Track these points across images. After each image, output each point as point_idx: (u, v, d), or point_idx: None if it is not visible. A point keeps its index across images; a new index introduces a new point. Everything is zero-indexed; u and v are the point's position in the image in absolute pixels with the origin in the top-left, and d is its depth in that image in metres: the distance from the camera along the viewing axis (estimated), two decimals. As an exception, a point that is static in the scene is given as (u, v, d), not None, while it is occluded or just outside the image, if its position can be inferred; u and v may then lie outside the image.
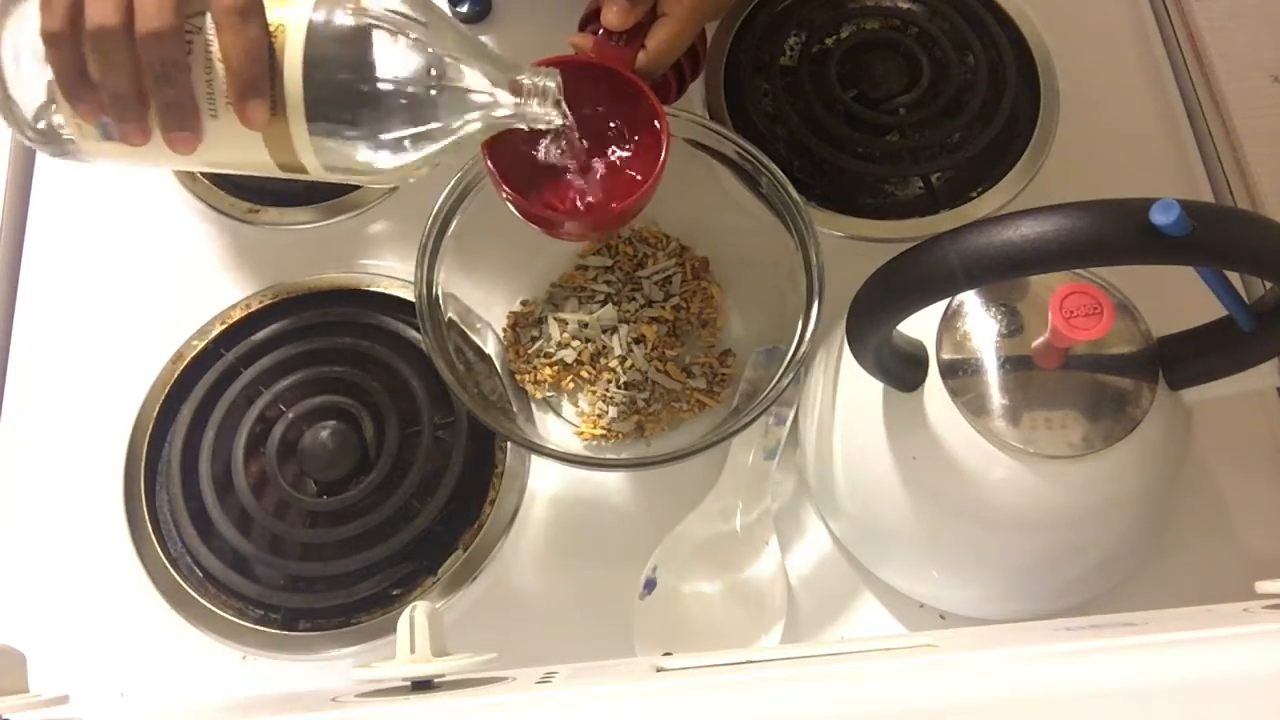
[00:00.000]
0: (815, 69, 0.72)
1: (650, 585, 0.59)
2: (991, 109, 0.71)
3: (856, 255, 0.67)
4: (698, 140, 0.61)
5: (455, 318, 0.60)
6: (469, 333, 0.62)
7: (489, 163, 0.52)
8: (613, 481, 0.63)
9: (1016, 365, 0.49)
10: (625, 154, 0.54)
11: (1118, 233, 0.37)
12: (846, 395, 0.56)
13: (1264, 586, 0.39)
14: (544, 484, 0.63)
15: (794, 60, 0.72)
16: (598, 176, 0.54)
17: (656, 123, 0.53)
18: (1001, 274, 0.41)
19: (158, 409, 0.65)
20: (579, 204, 0.53)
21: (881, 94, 0.72)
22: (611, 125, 0.54)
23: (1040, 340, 0.49)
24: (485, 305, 0.66)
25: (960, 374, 0.49)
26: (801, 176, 0.69)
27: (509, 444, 0.63)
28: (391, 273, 0.68)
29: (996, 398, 0.49)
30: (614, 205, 0.52)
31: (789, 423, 0.62)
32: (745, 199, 0.61)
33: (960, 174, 0.71)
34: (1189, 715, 0.31)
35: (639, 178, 0.53)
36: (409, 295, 0.66)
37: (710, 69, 0.72)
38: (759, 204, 0.60)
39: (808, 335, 0.55)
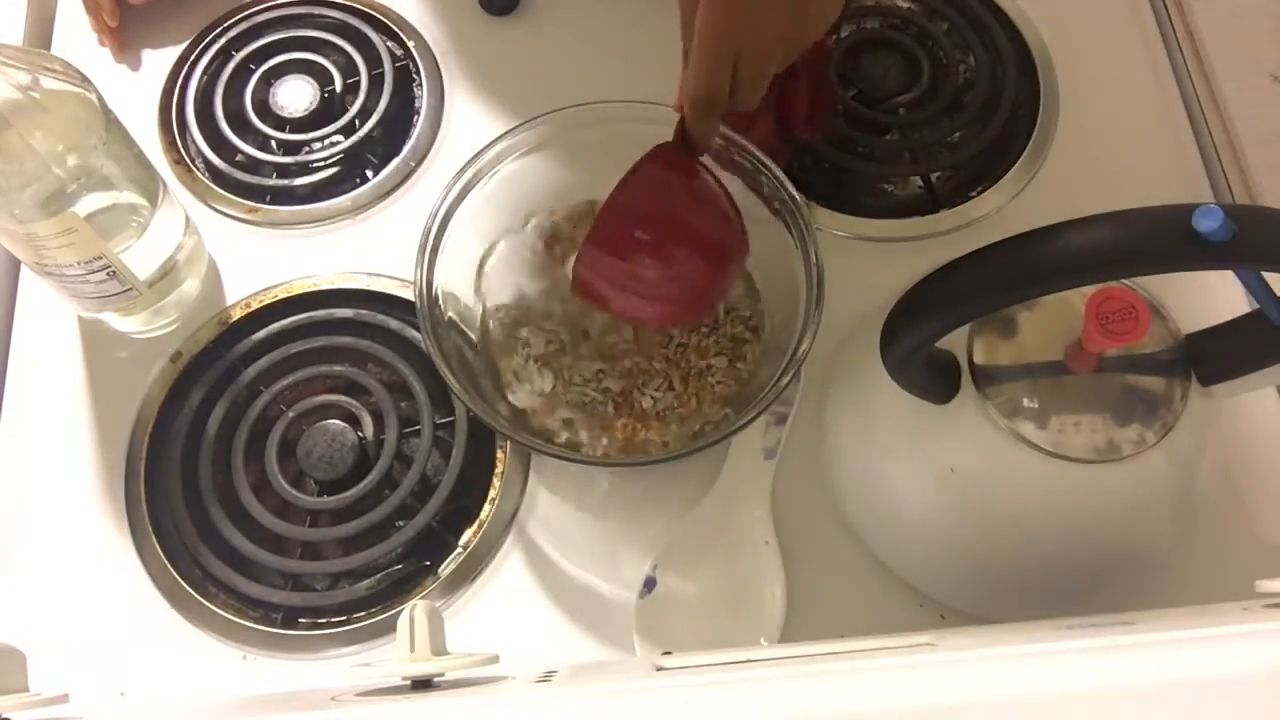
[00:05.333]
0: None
1: (650, 585, 0.59)
2: (991, 109, 0.71)
3: (856, 254, 0.67)
4: (697, 140, 0.61)
5: (455, 317, 0.60)
6: (469, 333, 0.62)
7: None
8: (612, 481, 0.63)
9: (1050, 371, 0.49)
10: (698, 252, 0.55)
11: (1163, 242, 0.37)
12: (874, 407, 0.56)
13: (1264, 585, 0.39)
14: (544, 484, 0.63)
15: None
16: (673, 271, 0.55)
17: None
18: (1046, 288, 0.40)
19: (158, 409, 0.65)
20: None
21: (881, 93, 0.72)
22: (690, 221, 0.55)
23: (1073, 345, 0.48)
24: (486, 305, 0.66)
25: (994, 383, 0.49)
26: (801, 176, 0.69)
27: (509, 444, 0.63)
28: (391, 273, 0.68)
29: (1033, 405, 0.48)
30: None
31: (789, 422, 0.62)
32: (745, 198, 0.60)
33: (960, 173, 0.71)
34: (1189, 715, 0.31)
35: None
36: (409, 295, 0.66)
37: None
38: (759, 203, 0.60)
39: (808, 334, 0.55)
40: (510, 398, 0.61)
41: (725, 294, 0.60)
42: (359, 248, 0.70)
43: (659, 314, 0.57)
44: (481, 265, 0.64)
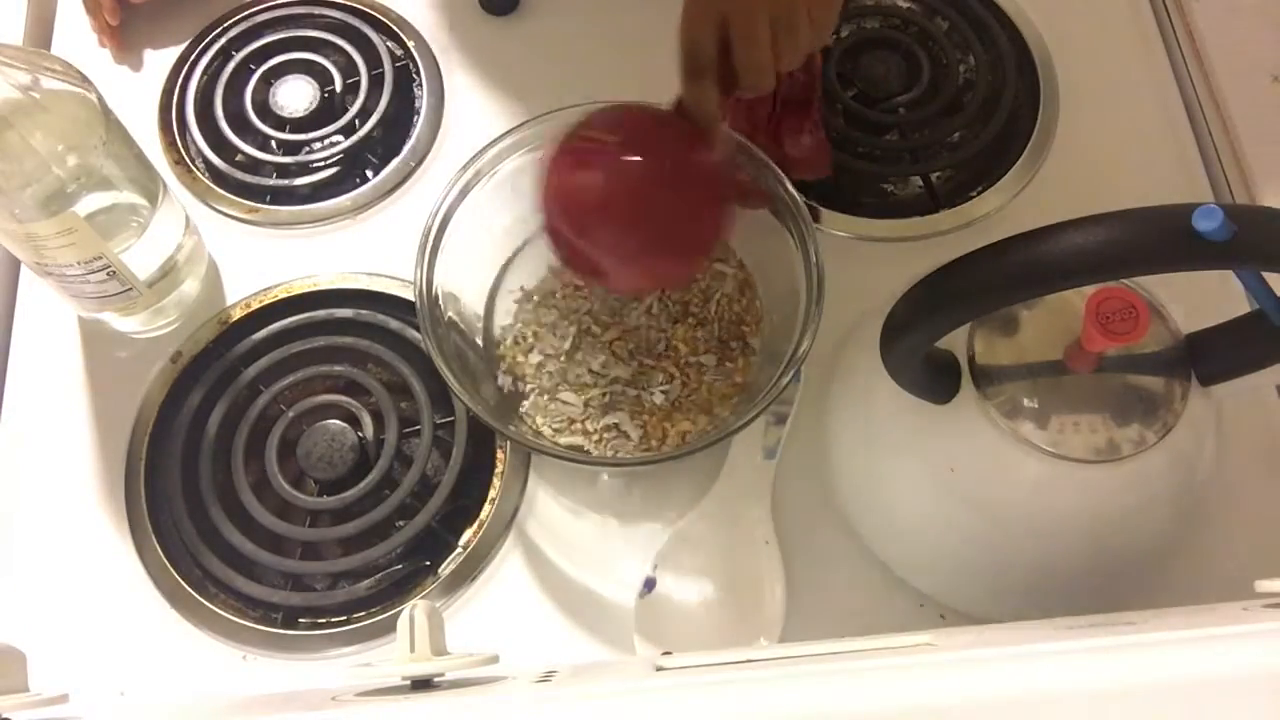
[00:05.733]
0: (815, 69, 0.72)
1: (650, 585, 0.59)
2: (991, 109, 0.71)
3: (856, 255, 0.67)
4: (697, 140, 0.61)
5: (455, 318, 0.60)
6: (469, 333, 0.62)
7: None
8: (613, 481, 0.63)
9: (1050, 370, 0.49)
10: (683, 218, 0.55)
11: (1163, 242, 0.37)
12: (874, 407, 0.56)
13: (1263, 585, 0.39)
14: (544, 484, 0.63)
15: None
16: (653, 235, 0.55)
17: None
18: (1046, 288, 0.40)
19: (158, 409, 0.65)
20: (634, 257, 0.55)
21: (881, 93, 0.72)
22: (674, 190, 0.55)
23: (1073, 345, 0.48)
24: (485, 305, 0.66)
25: (994, 383, 0.49)
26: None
27: (509, 444, 0.63)
28: (392, 273, 0.68)
29: (1033, 405, 0.48)
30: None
31: (789, 422, 0.62)
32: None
33: (960, 173, 0.71)
34: (1189, 715, 0.31)
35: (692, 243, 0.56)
36: (409, 295, 0.66)
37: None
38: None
39: (808, 334, 0.55)
40: (544, 427, 0.62)
41: (697, 254, 0.58)
42: (359, 248, 0.70)
43: (621, 273, 0.56)
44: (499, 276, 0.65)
